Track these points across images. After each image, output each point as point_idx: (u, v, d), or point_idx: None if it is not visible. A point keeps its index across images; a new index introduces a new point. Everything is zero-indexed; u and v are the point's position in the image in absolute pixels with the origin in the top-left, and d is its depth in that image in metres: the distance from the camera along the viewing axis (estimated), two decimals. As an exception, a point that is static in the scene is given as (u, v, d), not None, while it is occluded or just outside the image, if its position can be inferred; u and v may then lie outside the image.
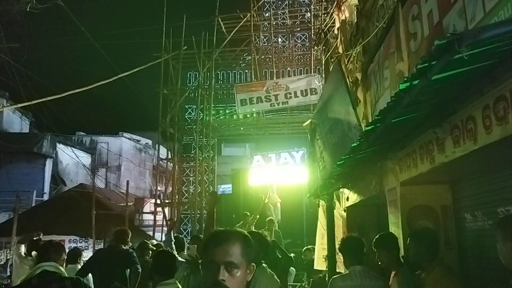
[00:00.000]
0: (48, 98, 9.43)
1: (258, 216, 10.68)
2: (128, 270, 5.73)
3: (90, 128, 27.75)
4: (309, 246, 9.33)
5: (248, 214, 11.43)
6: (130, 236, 6.33)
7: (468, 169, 3.63)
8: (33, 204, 19.66)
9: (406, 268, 3.75)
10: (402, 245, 4.01)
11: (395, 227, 4.44)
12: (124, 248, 6.11)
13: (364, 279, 3.58)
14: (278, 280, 3.67)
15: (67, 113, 19.85)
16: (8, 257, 12.42)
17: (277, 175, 14.80)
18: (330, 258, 6.26)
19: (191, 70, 21.29)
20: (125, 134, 27.99)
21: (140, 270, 5.72)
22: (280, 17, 21.69)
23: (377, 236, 3.97)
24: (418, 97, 2.45)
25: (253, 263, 1.78)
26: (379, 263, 3.91)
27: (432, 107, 2.94)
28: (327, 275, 6.42)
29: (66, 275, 3.16)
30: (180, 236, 7.22)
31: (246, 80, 21.42)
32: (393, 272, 3.83)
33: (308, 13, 19.33)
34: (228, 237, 1.73)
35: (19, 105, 13.36)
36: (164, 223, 17.25)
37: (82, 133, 27.79)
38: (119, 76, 10.84)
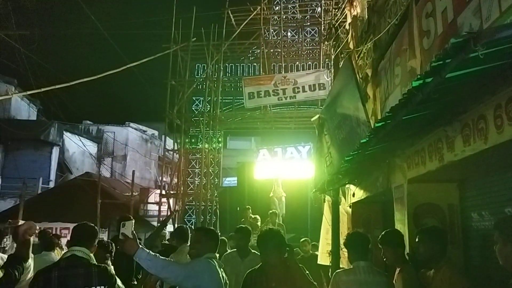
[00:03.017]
0: (57, 86, 9.48)
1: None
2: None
3: (97, 117, 27.91)
4: (306, 238, 9.23)
5: (249, 208, 11.48)
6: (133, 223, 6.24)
7: (477, 168, 3.62)
8: (39, 191, 19.84)
9: (411, 265, 3.76)
10: (408, 242, 4.03)
11: (401, 224, 4.45)
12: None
13: (368, 275, 3.60)
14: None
15: (74, 101, 19.96)
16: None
17: (282, 170, 14.83)
18: (334, 253, 6.29)
19: (200, 62, 21.29)
20: (131, 124, 28.08)
21: None
22: (290, 11, 21.59)
23: (383, 233, 3.98)
24: (431, 94, 2.46)
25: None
26: (384, 259, 3.92)
27: (443, 105, 2.94)
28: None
29: (95, 262, 3.16)
30: (185, 226, 7.21)
31: (254, 74, 21.40)
32: (398, 269, 3.85)
33: (319, 7, 19.21)
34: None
35: (28, 92, 13.45)
36: (168, 213, 17.36)
37: (89, 122, 27.92)
38: (128, 66, 10.88)
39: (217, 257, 3.53)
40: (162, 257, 3.13)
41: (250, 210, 11.33)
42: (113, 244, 4.89)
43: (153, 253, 3.07)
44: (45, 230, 6.65)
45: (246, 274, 3.37)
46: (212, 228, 3.84)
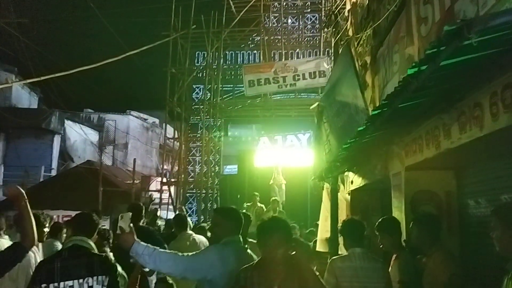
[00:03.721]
0: (57, 75, 9.48)
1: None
2: None
3: (98, 106, 27.84)
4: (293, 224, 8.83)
5: (258, 195, 11.52)
6: (144, 211, 5.79)
7: (473, 155, 3.63)
8: (41, 179, 19.92)
9: (407, 252, 3.80)
10: (405, 229, 4.05)
11: (398, 212, 4.48)
12: (142, 225, 5.67)
13: (363, 261, 3.63)
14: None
15: (75, 90, 19.94)
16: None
17: (282, 157, 14.86)
18: (333, 241, 6.32)
19: (200, 49, 21.19)
20: (132, 112, 28.06)
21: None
22: (291, -2, 21.43)
23: (380, 220, 4.02)
24: (426, 82, 2.45)
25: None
26: (381, 246, 3.96)
27: (439, 93, 2.94)
28: None
29: (96, 252, 3.18)
30: (182, 213, 7.25)
31: (254, 61, 21.31)
32: (394, 256, 3.89)
33: (319, -7, 19.06)
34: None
35: (28, 81, 13.43)
36: (170, 201, 17.46)
37: (90, 110, 27.90)
38: (128, 54, 10.84)
39: (240, 239, 3.17)
40: (162, 250, 2.89)
41: (259, 198, 11.36)
42: (110, 232, 4.87)
43: (151, 247, 2.82)
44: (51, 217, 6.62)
45: (239, 271, 2.70)
46: (232, 207, 3.40)
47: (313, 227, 8.57)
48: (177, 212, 11.68)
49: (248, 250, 3.20)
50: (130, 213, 2.91)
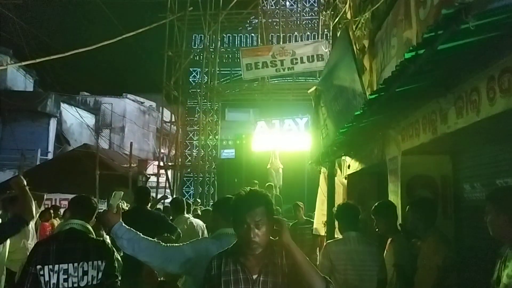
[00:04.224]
0: (52, 57, 9.40)
1: None
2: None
3: (94, 89, 27.69)
4: (298, 202, 8.42)
5: (256, 182, 11.57)
6: (151, 194, 5.68)
7: (469, 140, 3.65)
8: (38, 163, 19.92)
9: (403, 235, 3.84)
10: (400, 213, 4.09)
11: (394, 196, 4.51)
12: (152, 210, 5.65)
13: (358, 245, 3.67)
14: None
15: (71, 72, 19.79)
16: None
17: (280, 142, 14.88)
18: (330, 224, 6.38)
19: (197, 32, 20.99)
20: (129, 96, 27.94)
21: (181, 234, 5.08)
22: (289, -21, 21.18)
23: (376, 204, 4.04)
24: (423, 66, 2.45)
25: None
26: (377, 230, 4.00)
27: (437, 77, 2.94)
28: None
29: (93, 236, 3.16)
30: (180, 197, 7.27)
31: (252, 44, 21.13)
32: (390, 239, 3.93)
33: (318, -25, 18.85)
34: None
35: (23, 63, 13.34)
36: (167, 185, 17.51)
37: (86, 93, 27.76)
38: (123, 36, 10.74)
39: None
40: (144, 237, 2.68)
41: (258, 186, 11.37)
42: None
43: (133, 232, 2.65)
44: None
45: (211, 258, 2.27)
46: (228, 196, 3.01)
47: (310, 212, 8.63)
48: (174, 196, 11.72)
49: None
50: (122, 192, 2.80)
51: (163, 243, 2.74)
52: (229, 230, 2.70)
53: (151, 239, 2.75)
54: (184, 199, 7.02)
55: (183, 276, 3.22)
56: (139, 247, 2.61)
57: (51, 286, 2.90)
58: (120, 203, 2.76)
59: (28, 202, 3.32)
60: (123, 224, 2.65)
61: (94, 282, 2.99)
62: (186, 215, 6.26)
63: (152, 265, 2.77)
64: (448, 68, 2.79)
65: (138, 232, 2.69)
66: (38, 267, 2.90)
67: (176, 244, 2.85)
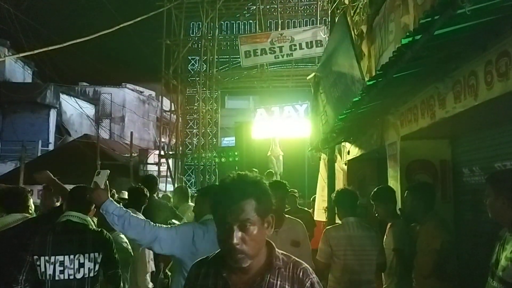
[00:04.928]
0: (50, 48, 9.35)
1: None
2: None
3: (93, 79, 27.59)
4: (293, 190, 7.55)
5: (256, 170, 11.57)
6: (158, 183, 5.62)
7: (468, 124, 3.66)
8: (39, 154, 19.96)
9: (402, 220, 3.88)
10: (400, 198, 4.12)
11: (393, 181, 4.53)
12: (159, 199, 5.60)
13: (357, 230, 3.70)
14: None
15: (69, 63, 19.71)
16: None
17: (280, 129, 14.88)
18: (330, 210, 6.41)
19: (194, 20, 20.86)
20: (128, 85, 27.86)
21: None
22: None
23: (375, 189, 4.07)
24: (421, 52, 2.45)
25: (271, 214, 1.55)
26: (376, 215, 4.03)
27: (435, 62, 2.93)
28: None
29: (92, 227, 3.12)
30: (184, 186, 7.32)
31: (250, 31, 21.01)
32: (389, 224, 3.96)
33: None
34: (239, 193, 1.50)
35: (21, 55, 13.26)
36: (168, 173, 17.57)
37: (85, 84, 27.68)
38: (121, 25, 10.65)
39: None
40: (134, 215, 2.75)
41: (257, 173, 11.43)
42: None
43: (124, 209, 2.71)
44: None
45: (192, 266, 1.75)
46: (180, 186, 3.07)
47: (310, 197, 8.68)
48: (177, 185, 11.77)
49: None
50: (108, 171, 2.80)
51: (152, 223, 2.77)
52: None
53: (140, 217, 2.82)
54: (186, 187, 7.07)
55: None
56: (129, 224, 2.66)
57: (48, 277, 2.89)
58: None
59: (65, 190, 3.43)
60: (113, 201, 2.71)
61: (91, 275, 2.97)
62: (191, 203, 6.29)
63: (140, 243, 2.81)
64: (445, 53, 2.78)
65: (128, 210, 2.74)
66: (35, 257, 2.89)
67: (165, 225, 2.90)
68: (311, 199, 9.03)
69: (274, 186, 2.94)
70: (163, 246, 2.73)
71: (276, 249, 1.60)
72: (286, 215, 3.79)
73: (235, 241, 1.44)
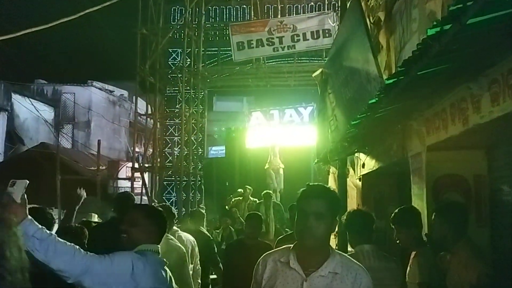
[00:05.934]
0: (1, 38, 9.35)
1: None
2: None
3: (53, 76, 27.54)
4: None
5: (250, 188, 11.66)
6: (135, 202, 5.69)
7: (507, 132, 3.67)
8: (-14, 166, 19.85)
9: (429, 248, 3.87)
10: (426, 221, 4.12)
11: (418, 200, 4.54)
12: None
13: (373, 260, 3.68)
14: None
15: (24, 57, 19.72)
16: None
17: (280, 136, 14.92)
18: (340, 236, 6.41)
19: (176, 4, 20.93)
20: (95, 84, 27.81)
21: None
22: None
23: (396, 211, 4.06)
24: (450, 45, 2.46)
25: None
26: (398, 242, 4.02)
27: (466, 57, 2.95)
28: None
29: None
30: (167, 205, 7.28)
31: (243, 19, 21.11)
32: (413, 253, 3.95)
33: None
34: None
35: (-35, 46, 13.24)
36: (144, 191, 17.50)
37: (42, 81, 27.63)
38: (86, 11, 10.67)
39: (159, 250, 2.96)
40: (61, 240, 2.53)
41: (251, 191, 11.63)
42: (85, 230, 4.73)
43: (47, 232, 2.48)
44: None
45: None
46: (164, 205, 2.86)
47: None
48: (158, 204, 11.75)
49: (166, 268, 2.96)
50: (27, 181, 2.53)
51: (83, 250, 2.62)
52: (155, 247, 2.92)
53: (68, 242, 2.59)
54: (168, 205, 7.05)
55: None
56: (54, 251, 2.44)
57: None
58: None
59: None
60: (34, 221, 2.46)
61: None
62: (174, 228, 6.26)
63: (67, 275, 2.51)
64: (479, 46, 2.80)
65: (53, 233, 2.56)
66: None
67: (98, 255, 2.71)
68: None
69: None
70: (95, 280, 2.56)
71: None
72: None
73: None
